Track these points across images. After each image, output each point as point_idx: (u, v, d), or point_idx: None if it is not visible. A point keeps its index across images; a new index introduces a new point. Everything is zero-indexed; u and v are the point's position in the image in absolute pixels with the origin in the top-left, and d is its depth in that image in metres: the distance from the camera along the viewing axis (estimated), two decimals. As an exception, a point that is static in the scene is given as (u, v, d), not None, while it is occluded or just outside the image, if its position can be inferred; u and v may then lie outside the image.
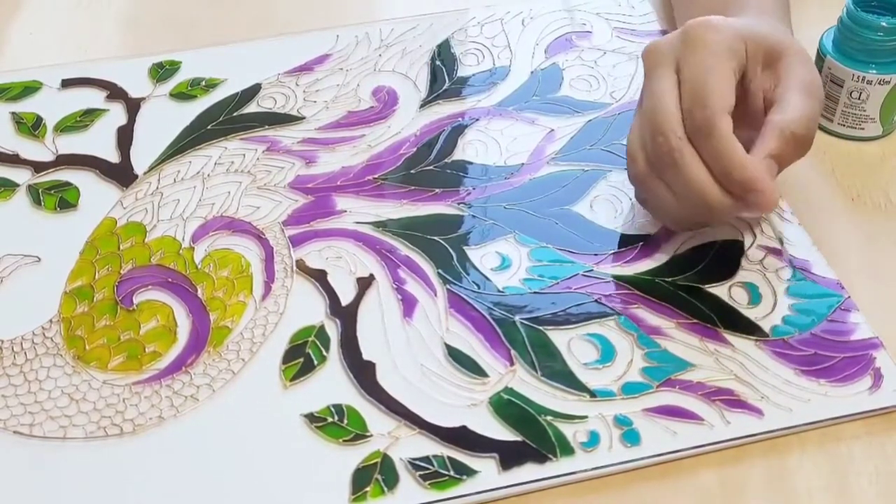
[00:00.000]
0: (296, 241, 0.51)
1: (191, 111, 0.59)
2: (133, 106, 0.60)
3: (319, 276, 0.49)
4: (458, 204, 0.53)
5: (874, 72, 0.53)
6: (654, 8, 0.66)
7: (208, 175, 0.55)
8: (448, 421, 0.43)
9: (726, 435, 0.42)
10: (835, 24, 0.55)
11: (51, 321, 0.48)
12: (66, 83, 0.61)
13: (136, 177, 0.55)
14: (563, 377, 0.44)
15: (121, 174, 0.55)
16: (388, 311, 0.47)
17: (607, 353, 0.45)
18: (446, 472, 0.41)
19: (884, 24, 0.52)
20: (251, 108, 0.59)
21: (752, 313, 0.46)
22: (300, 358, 0.45)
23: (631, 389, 0.44)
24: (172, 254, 0.50)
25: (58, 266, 0.50)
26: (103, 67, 0.62)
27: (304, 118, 0.58)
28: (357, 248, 0.50)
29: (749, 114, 0.47)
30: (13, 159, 0.56)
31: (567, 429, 0.42)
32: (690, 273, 0.48)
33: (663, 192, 0.46)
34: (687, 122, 0.45)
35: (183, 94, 0.60)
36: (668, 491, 0.41)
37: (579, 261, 0.49)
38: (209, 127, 0.58)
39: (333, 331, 0.47)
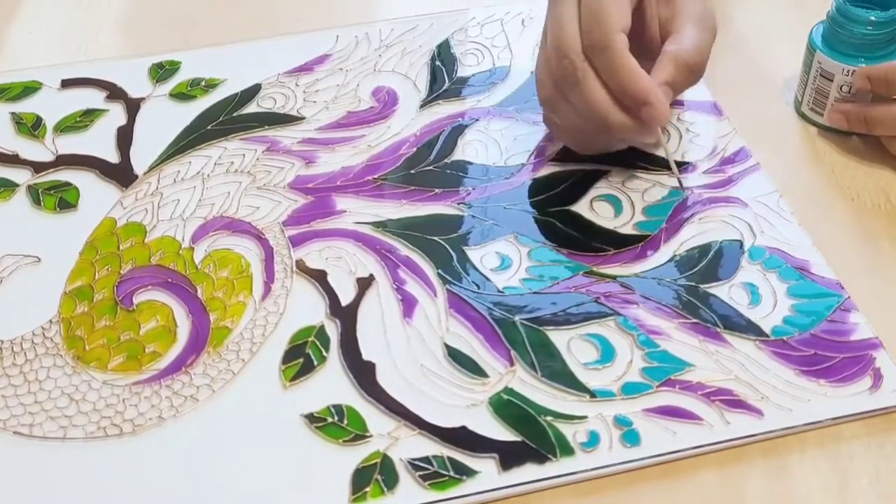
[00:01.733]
0: (296, 242, 0.51)
1: (191, 111, 0.59)
2: (133, 106, 0.60)
3: (319, 277, 0.49)
4: (458, 204, 0.53)
5: (864, 65, 0.53)
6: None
7: (208, 175, 0.55)
8: (448, 421, 0.43)
9: (726, 435, 0.42)
10: (824, 20, 0.55)
11: (51, 321, 0.48)
12: (66, 83, 0.61)
13: (136, 177, 0.55)
14: (563, 377, 0.44)
15: (121, 174, 0.55)
16: (388, 312, 0.47)
17: (607, 354, 0.45)
18: (446, 473, 0.41)
19: (872, 18, 0.52)
20: (251, 108, 0.59)
21: (752, 313, 0.46)
22: (300, 358, 0.45)
23: (631, 390, 0.44)
24: (172, 254, 0.50)
25: (58, 266, 0.50)
26: (103, 67, 0.62)
27: (303, 118, 0.58)
28: (357, 249, 0.50)
29: (647, 44, 0.51)
30: (13, 159, 0.56)
31: (567, 429, 0.42)
32: (690, 273, 0.48)
33: (568, 113, 0.50)
34: (585, 42, 0.47)
35: (183, 95, 0.60)
36: (668, 491, 0.41)
37: (579, 261, 0.49)
38: (209, 127, 0.58)
39: (333, 331, 0.47)
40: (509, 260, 0.49)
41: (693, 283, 0.48)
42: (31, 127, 0.58)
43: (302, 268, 0.50)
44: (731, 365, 0.44)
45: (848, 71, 0.54)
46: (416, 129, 0.57)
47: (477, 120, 0.58)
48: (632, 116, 0.48)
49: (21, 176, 0.55)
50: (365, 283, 0.49)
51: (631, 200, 0.52)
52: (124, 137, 0.58)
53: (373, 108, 0.59)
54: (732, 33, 0.64)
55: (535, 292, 0.48)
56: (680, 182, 0.53)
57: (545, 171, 0.54)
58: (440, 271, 0.49)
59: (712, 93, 0.59)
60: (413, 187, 0.54)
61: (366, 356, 0.45)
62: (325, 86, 0.60)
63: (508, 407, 0.43)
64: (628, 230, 0.51)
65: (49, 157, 0.57)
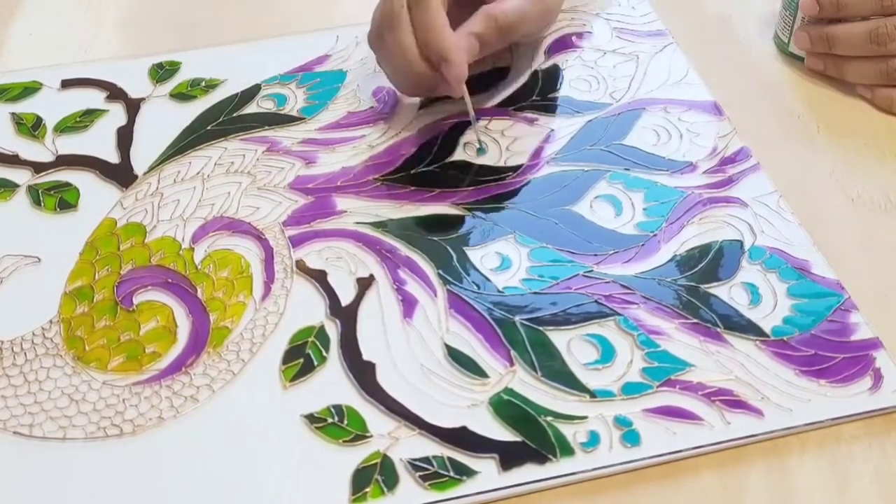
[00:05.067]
0: (296, 242, 0.51)
1: (191, 112, 0.59)
2: (133, 106, 0.60)
3: (319, 277, 0.49)
4: (458, 204, 0.52)
5: None
6: (654, 8, 0.66)
7: (208, 175, 0.55)
8: (448, 421, 0.43)
9: (726, 435, 0.42)
10: None
11: (50, 322, 0.48)
12: (66, 84, 0.61)
13: (136, 177, 0.55)
14: (563, 377, 0.44)
15: (121, 175, 0.55)
16: (388, 312, 0.47)
17: (607, 354, 0.45)
18: (446, 473, 0.41)
19: None
20: (251, 108, 0.59)
21: (752, 314, 0.46)
22: (300, 358, 0.45)
23: (631, 390, 0.44)
24: (172, 254, 0.50)
25: (58, 266, 0.50)
26: (103, 68, 0.62)
27: (303, 118, 0.58)
28: (357, 249, 0.50)
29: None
30: (13, 160, 0.56)
31: (567, 429, 0.42)
32: (690, 273, 0.48)
33: (384, 55, 0.54)
34: None
35: (183, 95, 0.60)
36: (668, 491, 0.41)
37: (579, 261, 0.49)
38: (209, 127, 0.58)
39: (333, 331, 0.47)
40: (509, 260, 0.49)
41: (693, 283, 0.48)
42: (31, 127, 0.58)
43: (302, 268, 0.50)
44: (731, 365, 0.44)
45: None
46: (416, 129, 0.57)
47: (477, 120, 0.57)
48: (432, 66, 0.52)
49: (21, 176, 0.55)
50: (365, 284, 0.49)
51: (631, 200, 0.52)
52: (124, 138, 0.58)
53: (373, 109, 0.59)
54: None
55: (535, 292, 0.48)
56: (479, 141, 0.56)
57: (545, 171, 0.54)
58: (440, 271, 0.49)
59: (711, 92, 0.59)
60: (413, 187, 0.54)
61: (366, 356, 0.45)
62: (325, 86, 0.60)
63: (508, 407, 0.43)
64: (628, 230, 0.51)
65: (49, 158, 0.57)
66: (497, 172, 0.54)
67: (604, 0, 0.66)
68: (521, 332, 0.46)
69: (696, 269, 0.49)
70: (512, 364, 0.45)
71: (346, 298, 0.48)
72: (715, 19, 0.66)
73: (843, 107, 0.59)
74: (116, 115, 0.59)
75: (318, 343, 0.46)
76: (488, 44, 0.53)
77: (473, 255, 0.50)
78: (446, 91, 0.54)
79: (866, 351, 0.45)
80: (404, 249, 0.50)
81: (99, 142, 0.57)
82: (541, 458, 0.41)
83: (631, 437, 0.42)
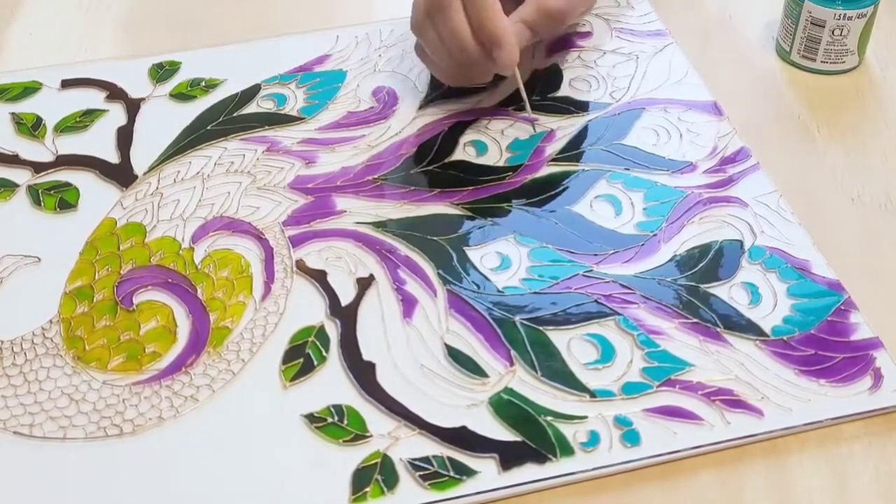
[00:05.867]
0: (296, 242, 0.51)
1: (191, 111, 0.59)
2: (133, 106, 0.60)
3: (319, 277, 0.49)
4: (458, 204, 0.52)
5: (851, 8, 0.57)
6: (654, 8, 0.66)
7: (208, 175, 0.55)
8: (448, 421, 0.43)
9: (726, 435, 0.42)
10: None
11: (51, 322, 0.48)
12: (66, 83, 0.61)
13: (136, 177, 0.55)
14: (563, 377, 0.44)
15: (121, 174, 0.55)
16: (388, 312, 0.47)
17: (607, 354, 0.45)
18: (446, 473, 0.41)
19: None
20: (251, 108, 0.59)
21: (752, 313, 0.46)
22: (300, 358, 0.45)
23: (631, 390, 0.44)
24: (172, 254, 0.50)
25: (58, 266, 0.50)
26: (103, 68, 0.62)
27: (303, 118, 0.58)
28: (357, 249, 0.50)
29: None
30: (13, 160, 0.57)
31: (567, 429, 0.42)
32: (690, 273, 0.48)
33: (433, 39, 0.53)
34: None
35: (183, 95, 0.60)
36: (668, 491, 0.41)
37: (579, 261, 0.49)
38: (209, 127, 0.58)
39: (333, 331, 0.47)
40: (509, 260, 0.49)
41: (693, 283, 0.48)
42: (31, 127, 0.58)
43: (302, 268, 0.50)
44: (731, 365, 0.44)
45: (840, 15, 0.57)
46: (415, 129, 0.57)
47: (477, 120, 0.57)
48: (485, 50, 0.51)
49: (21, 176, 0.55)
50: (365, 283, 0.49)
51: (631, 200, 0.52)
52: (124, 137, 0.58)
53: (373, 109, 0.59)
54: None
55: (535, 292, 0.48)
56: (532, 124, 0.56)
57: (545, 171, 0.54)
58: (440, 271, 0.49)
59: (711, 92, 0.59)
60: (413, 187, 0.54)
61: (366, 356, 0.45)
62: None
63: (508, 407, 0.43)
64: (628, 230, 0.51)
65: (49, 158, 0.57)
66: (497, 172, 0.54)
67: None
68: (521, 331, 0.46)
69: (696, 269, 0.49)
70: (512, 364, 0.45)
71: (346, 298, 0.48)
72: (715, 19, 0.66)
73: (843, 107, 0.59)
74: (116, 115, 0.59)
75: (318, 343, 0.46)
76: (538, 31, 0.54)
77: (473, 254, 0.50)
78: (492, 72, 0.54)
79: (866, 351, 0.45)
80: (404, 249, 0.50)
81: (99, 142, 0.57)
82: (541, 458, 0.41)
83: (631, 437, 0.42)
